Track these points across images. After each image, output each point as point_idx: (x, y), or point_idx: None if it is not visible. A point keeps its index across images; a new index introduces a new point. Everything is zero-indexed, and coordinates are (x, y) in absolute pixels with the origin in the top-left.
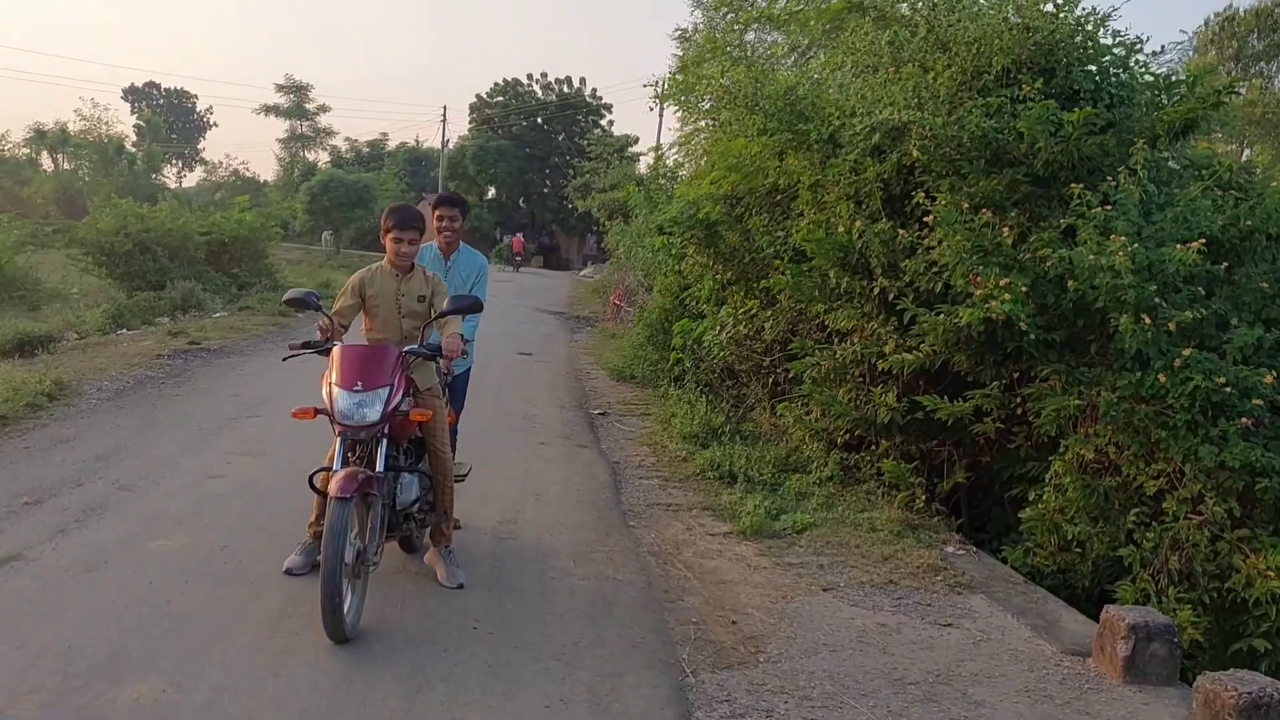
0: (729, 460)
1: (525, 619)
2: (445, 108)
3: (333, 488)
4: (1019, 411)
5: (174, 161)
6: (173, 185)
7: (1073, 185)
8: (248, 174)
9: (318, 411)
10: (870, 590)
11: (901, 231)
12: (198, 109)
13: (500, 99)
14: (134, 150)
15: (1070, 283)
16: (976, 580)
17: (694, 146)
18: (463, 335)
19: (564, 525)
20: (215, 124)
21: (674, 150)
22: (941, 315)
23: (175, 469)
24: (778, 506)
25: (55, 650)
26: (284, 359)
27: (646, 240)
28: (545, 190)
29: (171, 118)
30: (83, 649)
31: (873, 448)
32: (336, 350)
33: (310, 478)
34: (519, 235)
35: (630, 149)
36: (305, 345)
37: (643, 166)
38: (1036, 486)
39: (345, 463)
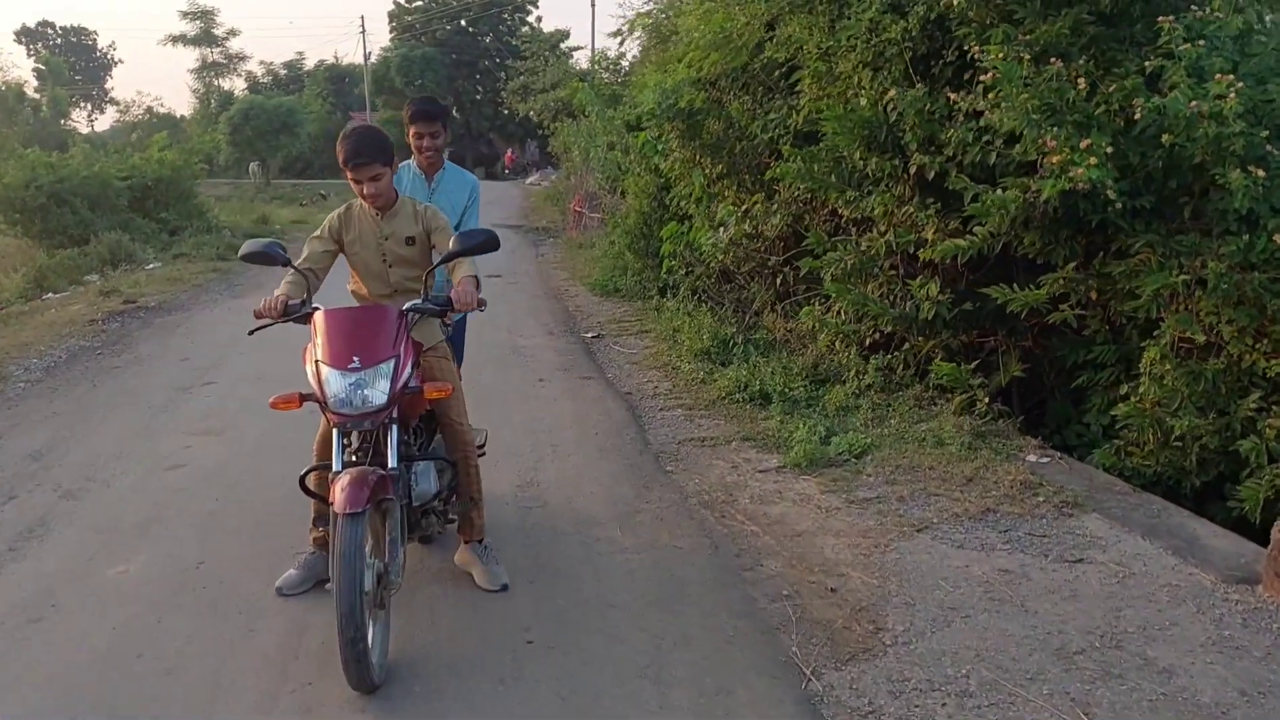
0: (755, 378)
1: (586, 620)
2: (363, 18)
3: (339, 501)
4: (1091, 293)
5: (82, 105)
6: (85, 130)
7: (1161, 19)
8: (163, 110)
9: (304, 398)
10: (969, 524)
11: (953, 95)
12: (99, 46)
13: (420, 3)
14: (37, 96)
15: (1164, 136)
16: (1080, 495)
17: (656, 26)
18: (477, 278)
19: (594, 480)
20: (120, 60)
21: (628, 33)
22: (1007, 190)
23: (127, 462)
24: (825, 427)
25: None
26: (250, 332)
27: (601, 139)
28: (478, 97)
29: (72, 57)
30: None
31: (905, 346)
32: (319, 317)
33: (302, 479)
34: (510, 151)
35: (563, 44)
36: (286, 313)
37: (582, 61)
38: (1115, 377)
39: (347, 461)
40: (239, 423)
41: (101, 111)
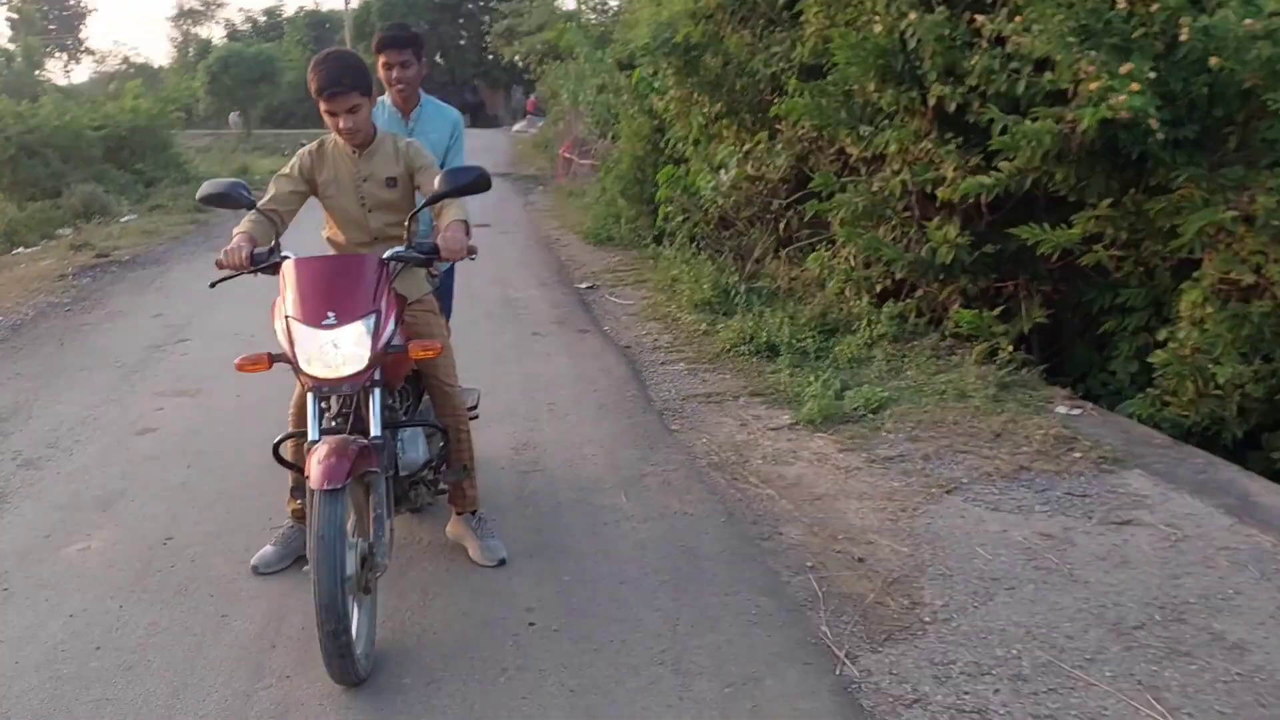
0: (761, 329)
1: (594, 600)
2: None
3: (315, 475)
4: (1121, 233)
5: (57, 55)
6: (62, 81)
7: None
8: (140, 60)
9: (274, 359)
10: (1003, 484)
11: (979, 18)
12: None
13: None
14: (10, 46)
15: (1213, 60)
16: (1118, 449)
17: None
18: (467, 223)
19: (595, 442)
20: (94, 8)
21: None
22: (1039, 121)
23: (94, 427)
24: (838, 380)
25: None
26: (211, 285)
27: (590, 81)
28: (463, 43)
29: (45, 6)
30: None
31: (917, 292)
32: (289, 268)
33: (275, 447)
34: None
35: None
36: (252, 263)
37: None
38: (1146, 321)
39: (325, 428)
40: (215, 383)
41: (77, 62)
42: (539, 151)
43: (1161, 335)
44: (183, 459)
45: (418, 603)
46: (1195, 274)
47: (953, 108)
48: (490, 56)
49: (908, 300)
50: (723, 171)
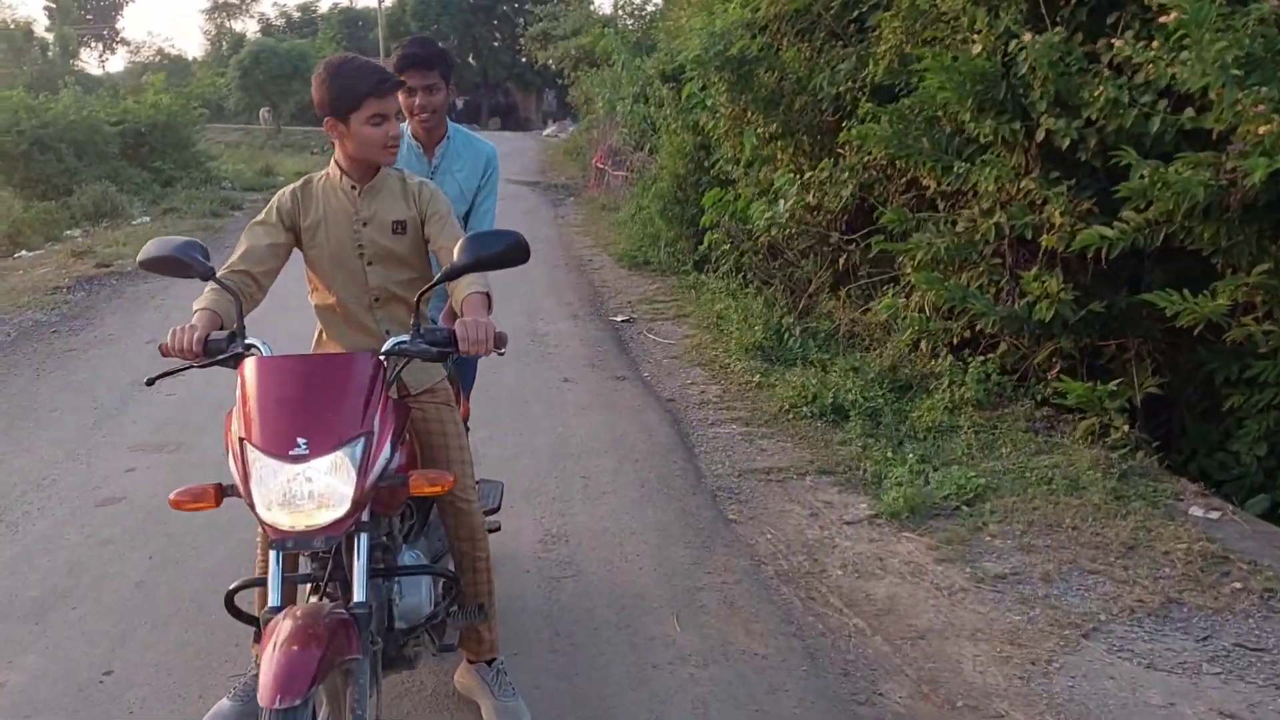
0: (825, 386)
1: None
2: None
3: (265, 685)
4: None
5: (92, 44)
6: (97, 72)
7: None
8: (174, 52)
9: (223, 492)
10: (1152, 626)
11: (1116, 41)
12: None
13: None
14: (47, 35)
15: None
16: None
17: None
18: (490, 296)
19: (638, 535)
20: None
21: None
22: (1190, 170)
23: (50, 493)
24: (920, 457)
25: None
26: (149, 381)
27: (626, 89)
28: (496, 44)
29: None
30: None
31: (998, 350)
32: (249, 368)
33: (228, 597)
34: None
35: None
36: (208, 354)
37: (605, 7)
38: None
39: (288, 591)
40: (200, 436)
41: (112, 52)
42: (570, 159)
43: None
44: (145, 545)
45: None
46: None
47: (1065, 144)
48: (523, 59)
49: (988, 356)
50: (781, 200)
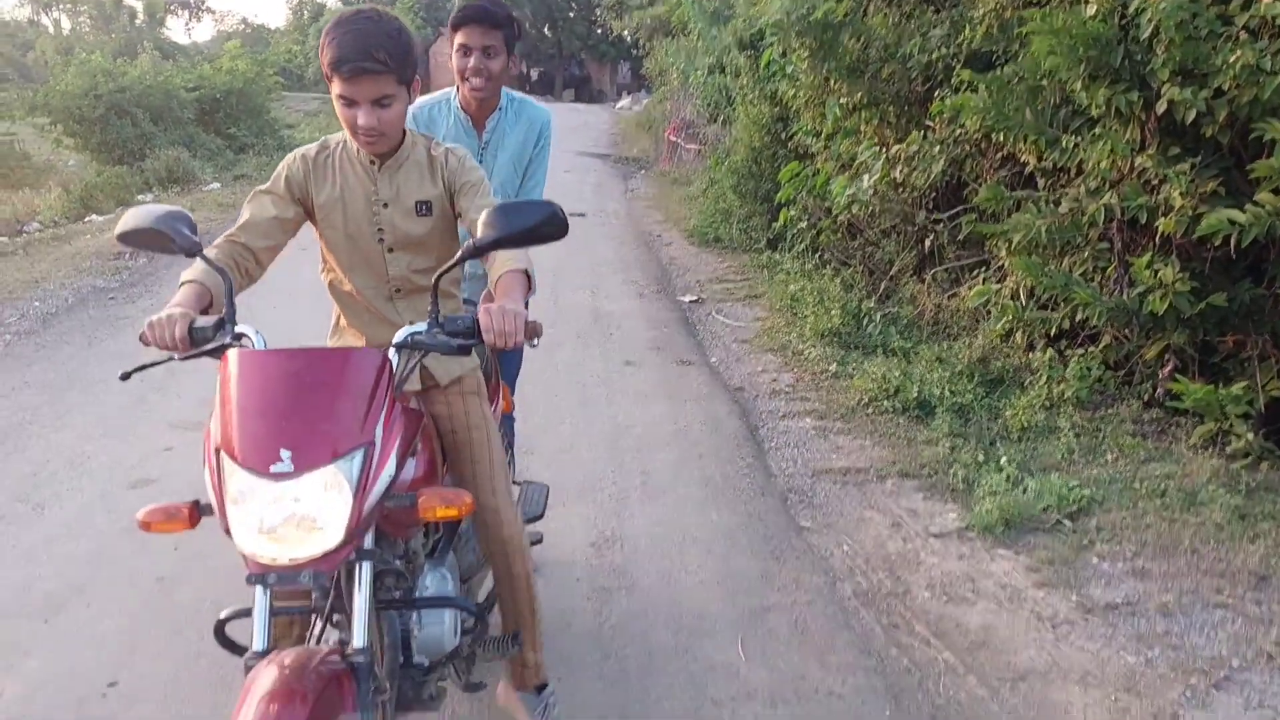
0: (909, 378)
1: None
2: None
3: None
4: None
5: (179, 12)
6: (183, 40)
7: None
8: (257, 21)
9: (198, 512)
10: None
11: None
12: None
13: None
14: (135, 3)
15: None
16: None
17: None
18: (530, 275)
19: (700, 542)
20: None
21: None
22: None
23: (82, 472)
24: (1015, 462)
25: None
26: (123, 376)
27: (701, 60)
28: (571, 14)
29: None
30: None
31: (1101, 343)
32: (232, 361)
33: (219, 626)
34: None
35: None
36: (192, 342)
37: None
38: None
39: (274, 636)
40: None
41: (198, 20)
42: (643, 131)
43: None
44: (171, 535)
45: None
46: None
47: (1190, 116)
48: (599, 30)
49: (1089, 349)
50: (865, 175)
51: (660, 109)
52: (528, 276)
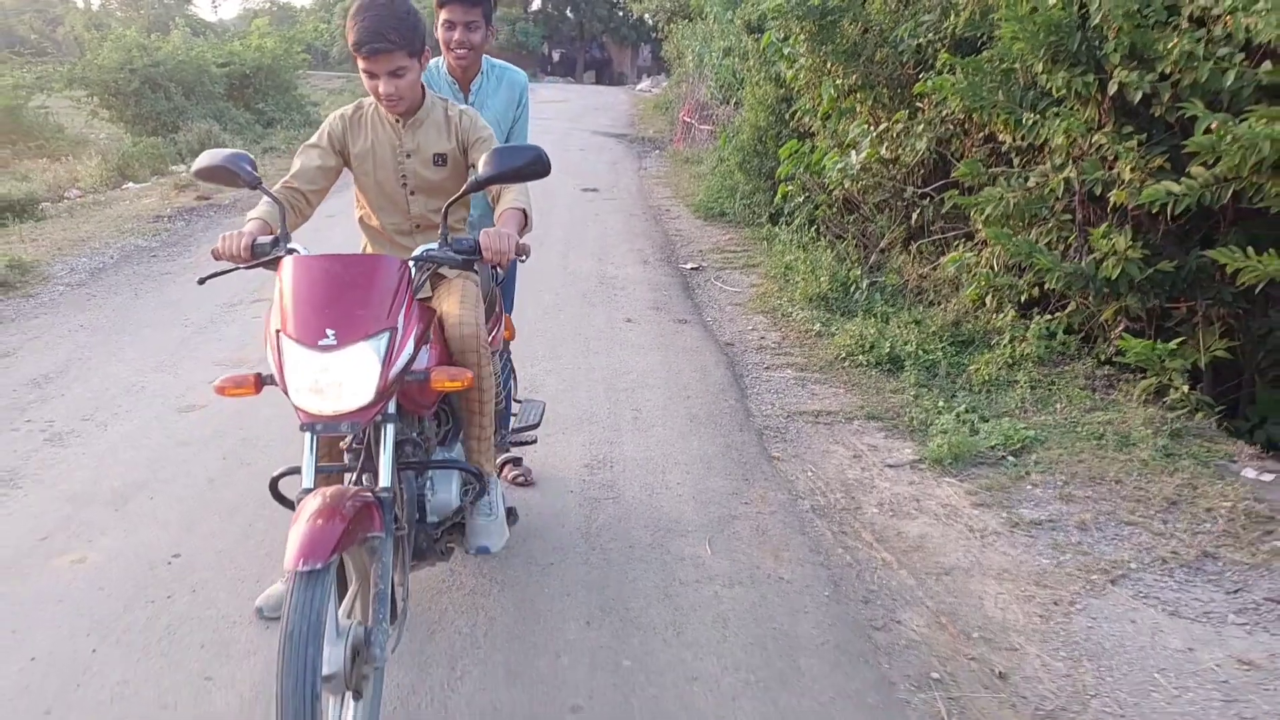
0: (883, 336)
1: (659, 700)
2: None
3: (291, 549)
4: None
5: None
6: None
7: None
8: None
9: (262, 381)
10: (1183, 576)
11: None
12: None
13: None
14: None
15: None
16: None
17: None
18: (527, 212)
19: (681, 465)
20: None
21: None
22: (1259, 124)
23: (137, 398)
24: (969, 407)
25: None
26: (200, 281)
27: (717, 43)
28: None
29: None
30: None
31: (1067, 309)
32: (286, 265)
33: (273, 482)
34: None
35: None
36: (254, 255)
37: None
38: None
39: (325, 469)
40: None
41: None
42: (659, 113)
43: None
44: (219, 447)
45: (441, 683)
46: None
47: (1137, 97)
48: (620, 13)
49: (1055, 315)
50: (853, 152)
51: (677, 91)
52: (524, 214)
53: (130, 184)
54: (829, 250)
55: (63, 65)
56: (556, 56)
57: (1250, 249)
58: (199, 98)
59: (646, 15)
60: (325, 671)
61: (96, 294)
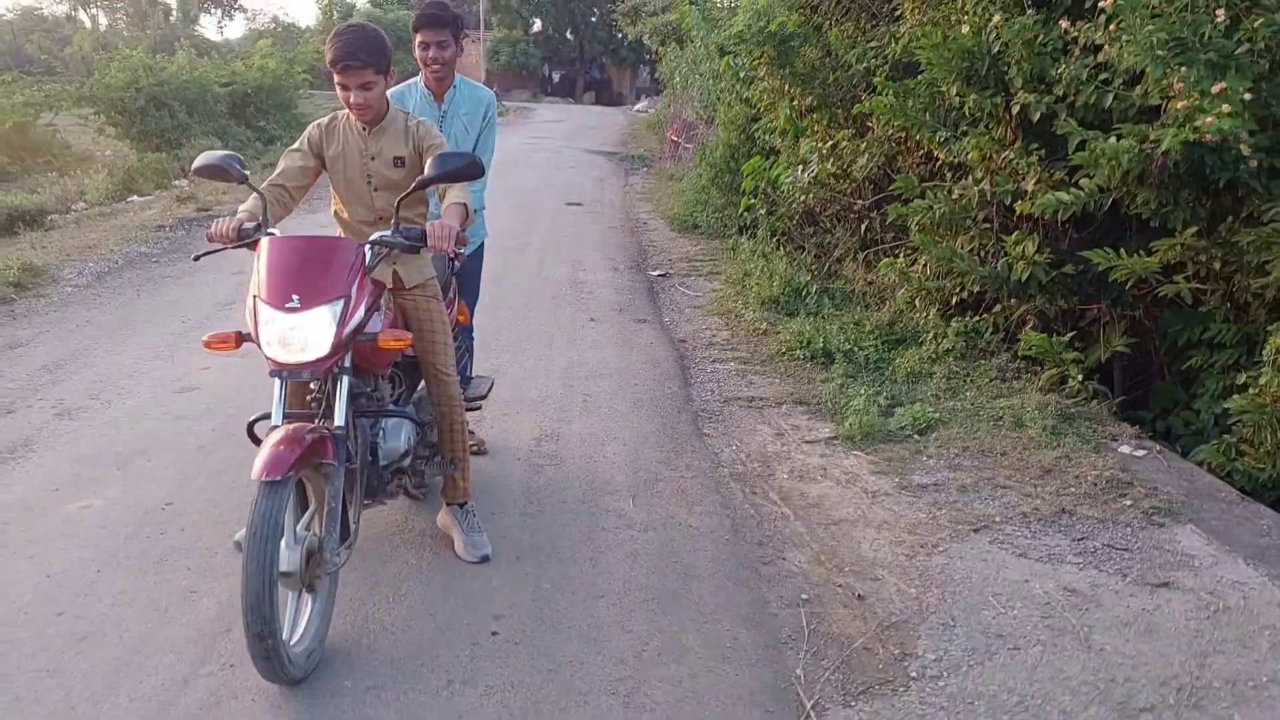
0: (821, 333)
1: (567, 611)
2: None
3: (257, 465)
4: (1212, 263)
5: (212, 10)
6: (215, 38)
7: None
8: (288, 20)
9: (241, 338)
10: (1038, 527)
11: (1063, 24)
12: None
13: None
14: (169, 1)
15: None
16: (1176, 500)
17: None
18: (468, 207)
19: (620, 440)
20: None
21: None
22: (1121, 139)
23: (137, 381)
24: (889, 396)
25: None
26: (195, 258)
27: (704, 66)
28: (593, 19)
29: None
30: None
31: (996, 309)
32: (264, 244)
33: (250, 426)
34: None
35: None
36: (240, 238)
37: None
38: (1234, 360)
39: (296, 414)
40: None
41: (230, 18)
42: (651, 132)
43: (1242, 378)
44: (210, 421)
45: (388, 596)
46: None
47: (1037, 117)
48: (619, 35)
49: (982, 316)
50: (801, 168)
51: (667, 112)
52: (465, 208)
53: (135, 197)
54: (785, 259)
55: (71, 84)
56: (556, 77)
57: (1122, 250)
58: (202, 116)
59: (644, 38)
60: (284, 568)
61: (102, 294)
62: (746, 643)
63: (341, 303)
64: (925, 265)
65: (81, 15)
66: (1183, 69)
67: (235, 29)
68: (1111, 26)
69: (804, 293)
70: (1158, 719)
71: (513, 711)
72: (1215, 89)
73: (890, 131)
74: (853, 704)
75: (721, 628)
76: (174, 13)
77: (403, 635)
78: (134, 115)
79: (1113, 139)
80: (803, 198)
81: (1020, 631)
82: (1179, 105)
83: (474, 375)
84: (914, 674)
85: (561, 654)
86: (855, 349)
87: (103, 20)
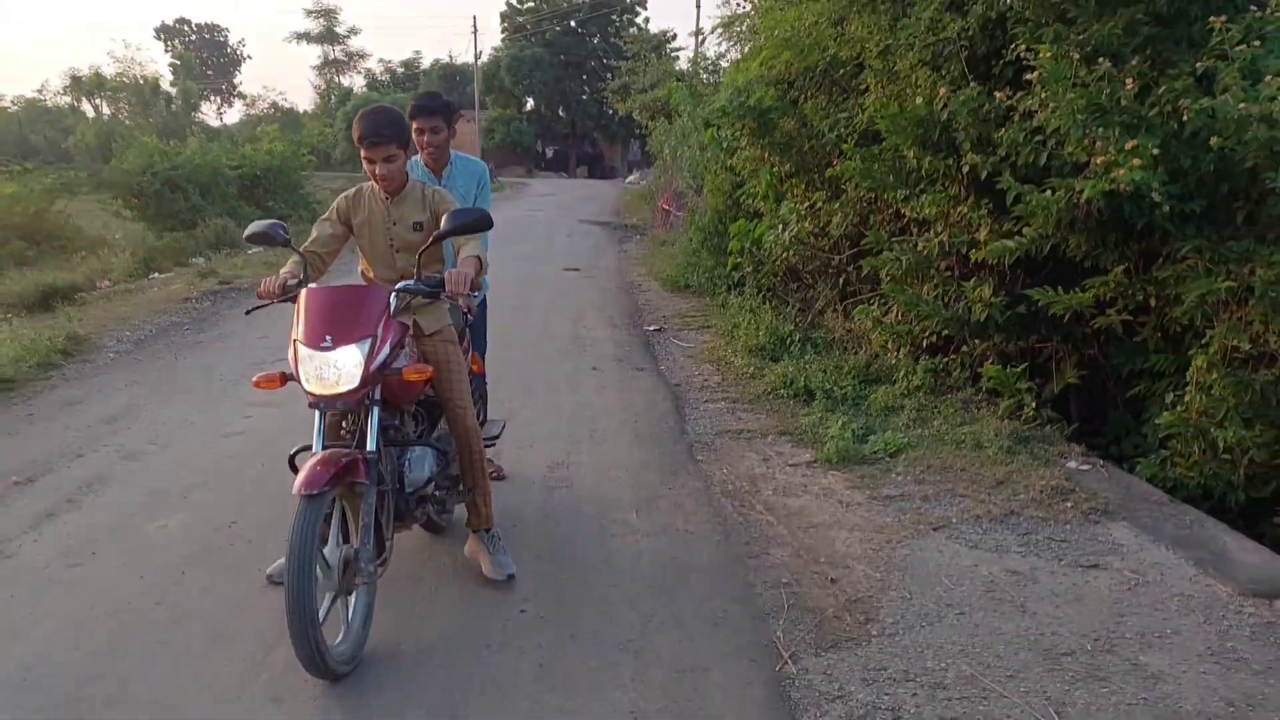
0: (803, 374)
1: (584, 597)
2: (475, 18)
3: (297, 481)
4: (1146, 299)
5: (212, 98)
6: (215, 123)
7: (1212, 19)
8: (286, 105)
9: (286, 378)
10: (989, 525)
11: (998, 94)
12: (230, 43)
13: (531, 4)
14: (171, 89)
15: (1213, 139)
16: (1113, 503)
17: (740, 28)
18: (481, 259)
19: (623, 466)
20: (249, 56)
21: (716, 35)
22: (1051, 192)
23: (188, 429)
24: (864, 426)
25: (7, 681)
26: (247, 311)
27: (692, 139)
28: (584, 97)
29: (205, 53)
30: (43, 677)
31: (963, 349)
32: (302, 295)
33: (291, 458)
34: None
35: (668, 45)
36: (284, 294)
37: (683, 62)
38: (1171, 385)
39: (332, 444)
40: (300, 397)
41: (230, 105)
42: (643, 202)
43: (1170, 399)
44: (258, 460)
45: (430, 590)
46: (1204, 341)
47: (985, 175)
48: (609, 112)
49: (951, 356)
50: (782, 228)
51: (658, 183)
52: (479, 260)
53: (156, 274)
54: (771, 312)
55: (83, 171)
56: (550, 153)
57: (1059, 288)
58: (214, 197)
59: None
60: (323, 568)
61: (142, 359)
62: (735, 614)
63: (369, 341)
64: (896, 311)
65: (85, 105)
66: (1100, 129)
67: (233, 115)
68: (1042, 94)
69: (788, 341)
70: (1077, 661)
71: (543, 663)
72: (1128, 145)
73: (861, 192)
74: (823, 654)
75: (714, 604)
76: (175, 101)
77: (446, 615)
78: (149, 198)
79: (1046, 191)
80: (785, 255)
81: (967, 601)
82: (1099, 160)
83: (488, 419)
84: (875, 633)
85: (580, 625)
86: (834, 388)
87: (106, 109)
